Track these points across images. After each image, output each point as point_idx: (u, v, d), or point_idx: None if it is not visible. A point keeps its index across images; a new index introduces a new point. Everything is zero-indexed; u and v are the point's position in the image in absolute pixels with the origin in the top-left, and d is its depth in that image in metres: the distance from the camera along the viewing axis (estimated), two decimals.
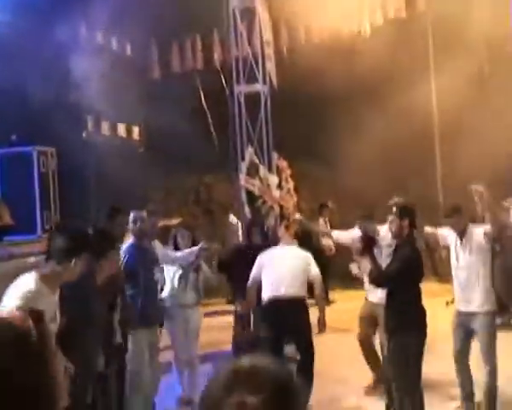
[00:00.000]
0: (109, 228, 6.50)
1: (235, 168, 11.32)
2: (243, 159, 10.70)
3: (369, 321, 8.06)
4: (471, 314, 6.98)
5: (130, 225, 6.80)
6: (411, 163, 16.03)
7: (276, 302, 7.06)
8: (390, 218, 6.50)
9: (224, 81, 13.19)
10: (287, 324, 7.10)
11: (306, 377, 6.87)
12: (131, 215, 6.83)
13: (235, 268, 8.01)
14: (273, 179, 10.72)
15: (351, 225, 8.70)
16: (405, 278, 6.25)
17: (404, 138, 15.60)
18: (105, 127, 11.07)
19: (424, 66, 15.15)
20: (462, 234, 6.97)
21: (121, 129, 11.55)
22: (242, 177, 10.66)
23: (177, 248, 7.72)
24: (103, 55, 11.33)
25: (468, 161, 14.59)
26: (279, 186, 11.05)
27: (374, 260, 6.48)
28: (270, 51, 11.24)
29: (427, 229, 7.42)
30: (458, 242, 7.04)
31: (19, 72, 9.44)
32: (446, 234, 7.22)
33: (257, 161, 10.60)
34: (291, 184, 11.51)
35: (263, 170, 10.57)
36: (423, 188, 15.20)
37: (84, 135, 10.41)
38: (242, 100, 10.68)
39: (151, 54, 13.75)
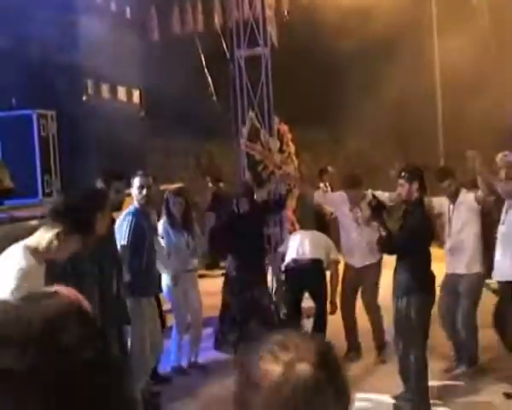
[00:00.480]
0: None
1: (235, 133, 11.25)
2: (244, 123, 10.62)
3: (352, 288, 8.16)
4: (459, 276, 7.17)
5: (135, 191, 6.73)
6: (413, 127, 15.96)
7: (300, 262, 8.35)
8: (399, 181, 6.51)
9: (224, 44, 13.07)
10: (307, 280, 8.33)
11: (320, 327, 8.19)
12: (137, 181, 6.73)
13: (223, 236, 8.16)
14: (274, 144, 10.65)
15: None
16: (416, 244, 6.26)
17: (407, 102, 15.52)
18: (105, 91, 10.99)
19: (427, 27, 15.02)
20: (453, 198, 7.17)
21: (121, 92, 11.47)
22: (243, 141, 10.59)
23: (171, 215, 7.75)
24: (103, 17, 11.22)
25: (470, 124, 14.52)
26: (280, 150, 10.99)
27: (384, 226, 6.45)
28: (271, 14, 11.10)
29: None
30: (451, 206, 7.18)
31: (17, 35, 9.35)
32: (441, 202, 7.39)
33: (258, 125, 10.52)
34: (292, 149, 11.46)
35: (264, 134, 10.51)
36: (425, 153, 15.14)
37: (84, 98, 10.33)
38: (243, 64, 10.57)
39: (151, 16, 13.61)
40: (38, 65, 9.77)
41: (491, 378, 7.13)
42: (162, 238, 7.62)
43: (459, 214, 7.20)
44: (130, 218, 6.56)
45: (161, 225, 7.72)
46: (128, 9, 12.03)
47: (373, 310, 8.15)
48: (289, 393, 1.35)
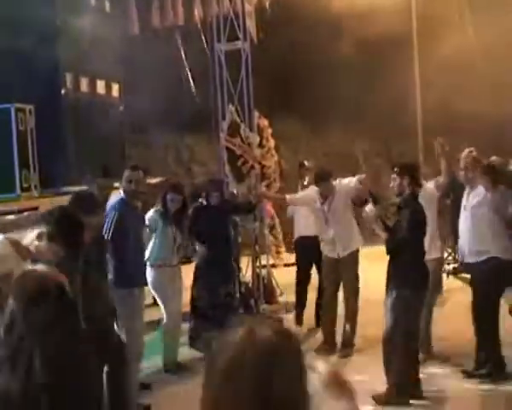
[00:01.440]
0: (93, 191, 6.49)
1: (215, 127, 11.23)
2: (224, 118, 10.60)
3: (333, 279, 8.27)
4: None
5: (124, 185, 6.75)
6: (393, 122, 16.01)
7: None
8: (392, 176, 6.61)
9: (204, 39, 13.04)
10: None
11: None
12: (126, 174, 6.76)
13: (194, 227, 8.17)
14: (254, 138, 10.65)
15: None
16: (407, 239, 6.32)
17: (386, 96, 15.57)
18: (84, 84, 10.92)
19: (407, 30, 15.07)
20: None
21: (100, 86, 11.40)
22: (223, 136, 10.58)
23: (166, 210, 7.72)
24: (82, 10, 11.14)
25: (448, 116, 14.59)
26: (260, 145, 10.99)
27: (385, 225, 6.51)
28: (251, 8, 11.09)
29: None
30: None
31: None
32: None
33: (238, 119, 10.51)
34: (272, 143, 11.46)
35: (244, 129, 10.49)
36: (405, 149, 15.20)
37: (62, 92, 10.27)
38: (223, 58, 10.55)
39: (130, 10, 13.54)
40: (17, 58, 9.69)
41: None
42: (151, 230, 7.65)
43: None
44: (113, 213, 6.55)
45: (151, 215, 7.74)
46: (108, 3, 11.96)
47: (351, 303, 8.24)
48: (250, 354, 1.42)
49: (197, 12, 13.33)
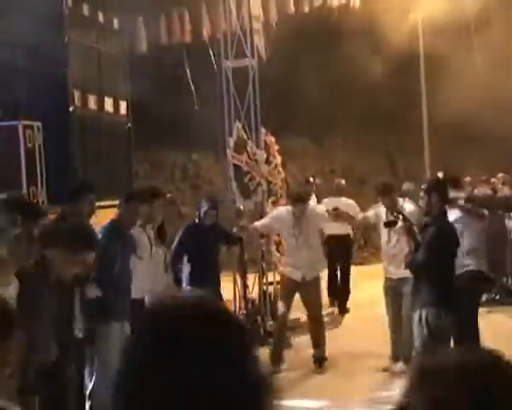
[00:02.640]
0: (77, 208, 6.32)
1: (222, 144, 11.26)
2: (231, 134, 10.63)
3: (290, 302, 8.42)
4: (401, 279, 7.62)
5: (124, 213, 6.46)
6: (399, 139, 16.02)
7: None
8: (420, 194, 6.60)
9: (212, 55, 13.08)
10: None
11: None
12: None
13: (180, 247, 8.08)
14: (261, 155, 10.67)
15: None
16: (431, 258, 6.13)
17: (393, 114, 15.59)
18: (91, 102, 10.95)
19: (413, 38, 15.09)
20: (393, 210, 7.60)
21: (108, 103, 11.44)
22: (230, 153, 10.60)
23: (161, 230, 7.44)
24: (90, 28, 11.20)
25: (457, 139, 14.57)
26: (267, 162, 11.01)
27: (414, 240, 6.43)
28: (258, 26, 11.14)
29: (360, 215, 8.67)
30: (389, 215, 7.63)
31: (4, 45, 9.32)
32: (378, 212, 7.96)
33: (245, 136, 10.54)
34: (278, 160, 11.48)
35: (251, 145, 10.52)
36: (411, 165, 15.20)
37: (70, 109, 10.30)
38: (230, 75, 10.60)
39: (138, 27, 13.60)
40: (24, 75, 9.73)
41: None
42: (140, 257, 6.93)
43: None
44: (102, 235, 6.16)
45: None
46: (116, 20, 12.00)
47: (319, 323, 8.52)
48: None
49: (205, 29, 13.38)
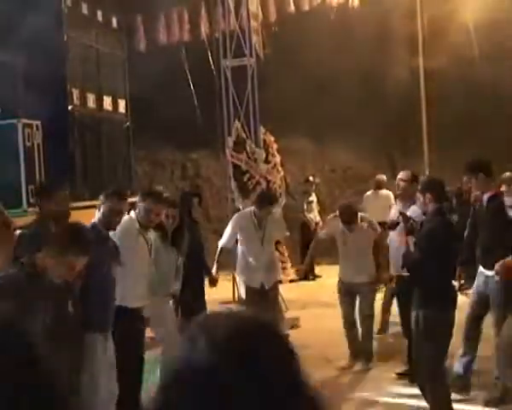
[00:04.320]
0: (50, 209, 5.83)
1: (221, 143, 11.26)
2: (230, 134, 10.63)
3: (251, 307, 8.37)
4: (355, 284, 8.11)
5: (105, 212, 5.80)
6: (398, 138, 16.02)
7: None
8: (417, 195, 6.53)
9: (210, 55, 13.09)
10: None
11: None
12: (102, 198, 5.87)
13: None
14: (260, 154, 10.67)
15: (338, 199, 8.76)
16: (426, 257, 5.96)
17: (391, 113, 15.58)
18: (91, 100, 10.95)
19: (412, 39, 15.09)
20: (350, 226, 8.07)
21: (107, 102, 11.43)
22: (229, 152, 10.60)
23: (161, 225, 6.71)
24: (89, 26, 11.20)
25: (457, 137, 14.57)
26: (266, 161, 11.01)
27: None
28: (256, 24, 11.14)
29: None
30: (346, 231, 8.12)
31: (2, 44, 9.31)
32: (334, 223, 8.33)
33: (244, 135, 10.54)
34: (278, 159, 11.48)
35: (250, 145, 10.52)
36: (410, 164, 15.19)
37: (69, 108, 10.30)
38: (229, 74, 10.59)
39: (137, 26, 13.61)
40: (23, 74, 9.73)
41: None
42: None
43: (355, 235, 8.09)
44: None
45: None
46: (114, 19, 12.00)
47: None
48: None
49: (203, 28, 13.39)
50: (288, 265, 13.43)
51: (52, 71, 9.90)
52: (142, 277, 6.23)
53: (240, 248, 8.41)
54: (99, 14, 11.52)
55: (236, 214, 8.66)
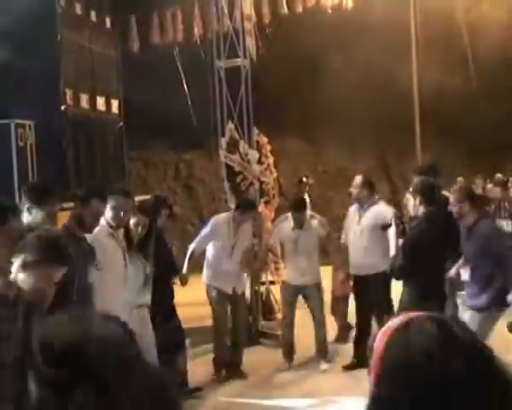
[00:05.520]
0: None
1: (215, 144, 11.26)
2: (223, 134, 10.63)
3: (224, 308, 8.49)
4: (300, 286, 8.44)
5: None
6: (392, 140, 16.04)
7: None
8: (407, 196, 6.51)
9: (204, 56, 13.08)
10: None
11: None
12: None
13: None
14: (253, 155, 10.67)
15: (331, 200, 8.79)
16: (410, 261, 5.91)
17: (384, 113, 15.60)
18: (84, 100, 10.94)
19: (406, 41, 15.13)
20: (301, 226, 8.35)
21: (100, 102, 11.42)
22: (222, 153, 10.60)
23: (128, 234, 6.46)
24: (82, 27, 11.19)
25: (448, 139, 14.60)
26: (259, 162, 11.01)
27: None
28: (250, 26, 11.14)
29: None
30: (295, 232, 8.36)
31: None
32: (284, 226, 8.62)
33: (237, 136, 10.54)
34: (271, 160, 11.48)
35: (243, 146, 10.52)
36: (403, 166, 15.21)
37: (62, 108, 10.28)
38: (223, 75, 10.59)
39: (131, 26, 13.60)
40: (16, 74, 9.71)
41: None
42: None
43: (304, 237, 8.35)
44: None
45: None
46: (108, 19, 11.99)
47: (243, 334, 8.64)
48: None
49: (197, 29, 13.38)
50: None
51: (45, 71, 9.88)
52: (120, 282, 5.99)
53: (211, 251, 8.35)
54: (93, 14, 11.51)
55: (214, 219, 8.57)
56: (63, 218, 5.87)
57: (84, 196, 5.70)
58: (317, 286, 8.52)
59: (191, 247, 8.34)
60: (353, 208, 8.37)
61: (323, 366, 8.37)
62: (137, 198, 7.81)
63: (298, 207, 8.57)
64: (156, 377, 1.39)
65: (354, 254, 8.09)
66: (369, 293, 7.76)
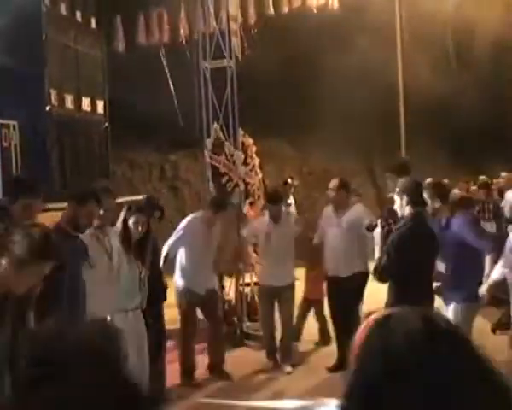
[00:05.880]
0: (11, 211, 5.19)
1: (200, 145, 11.25)
2: (209, 135, 10.63)
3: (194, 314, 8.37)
4: (277, 288, 8.34)
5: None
6: (377, 140, 16.09)
7: None
8: (394, 196, 6.49)
9: (189, 56, 13.06)
10: None
11: None
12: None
13: None
14: (239, 156, 10.67)
15: (316, 202, 8.81)
16: (393, 262, 5.83)
17: (369, 114, 15.65)
18: (69, 101, 10.90)
19: (391, 40, 15.18)
20: (277, 220, 8.37)
21: (85, 103, 11.39)
22: (208, 153, 10.59)
23: (127, 235, 6.49)
24: (68, 27, 11.15)
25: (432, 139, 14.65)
26: (244, 163, 11.01)
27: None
28: (235, 27, 11.14)
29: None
30: (270, 226, 8.37)
31: None
32: (260, 221, 8.78)
33: (223, 137, 10.54)
34: (256, 161, 11.48)
35: (228, 147, 10.52)
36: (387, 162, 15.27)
37: (47, 108, 10.25)
38: (208, 76, 10.58)
39: (116, 27, 13.55)
40: (1, 74, 9.66)
41: None
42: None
43: (280, 235, 8.34)
44: None
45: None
46: (93, 20, 11.96)
47: (220, 335, 8.58)
48: None
49: (183, 30, 13.36)
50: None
51: (30, 71, 9.85)
52: (103, 283, 5.94)
53: (184, 252, 8.25)
54: (78, 14, 11.49)
55: (187, 220, 8.41)
56: (48, 218, 5.85)
57: (81, 197, 5.71)
58: (291, 287, 8.50)
59: (164, 249, 8.08)
60: (329, 210, 8.41)
61: (287, 368, 8.36)
62: (124, 199, 7.79)
63: (273, 199, 8.60)
64: (129, 382, 1.38)
65: (331, 256, 8.08)
66: (344, 294, 7.82)
